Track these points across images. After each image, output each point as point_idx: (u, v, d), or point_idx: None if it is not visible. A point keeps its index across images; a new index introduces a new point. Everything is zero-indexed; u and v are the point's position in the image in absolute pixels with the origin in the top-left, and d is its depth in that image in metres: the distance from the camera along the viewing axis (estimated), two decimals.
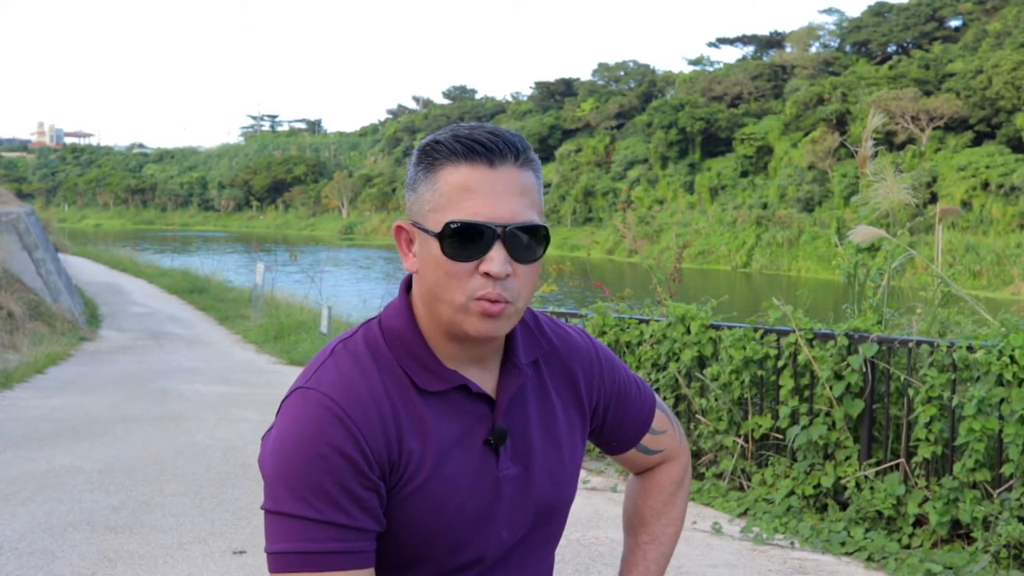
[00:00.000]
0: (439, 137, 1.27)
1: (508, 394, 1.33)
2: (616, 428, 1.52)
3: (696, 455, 6.13)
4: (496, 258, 1.22)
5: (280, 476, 1.20)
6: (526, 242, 1.24)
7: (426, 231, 1.25)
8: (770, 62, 61.32)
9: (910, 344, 4.90)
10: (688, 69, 70.20)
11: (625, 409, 1.51)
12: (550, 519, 1.40)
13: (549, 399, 1.40)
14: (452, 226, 1.21)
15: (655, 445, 1.57)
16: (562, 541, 5.02)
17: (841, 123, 46.09)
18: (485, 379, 1.33)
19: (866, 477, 5.00)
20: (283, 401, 1.28)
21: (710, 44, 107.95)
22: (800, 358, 5.42)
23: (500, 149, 1.24)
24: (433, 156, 1.26)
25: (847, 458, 5.19)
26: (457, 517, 1.28)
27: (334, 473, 1.19)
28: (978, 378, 4.54)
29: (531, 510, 1.36)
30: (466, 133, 1.26)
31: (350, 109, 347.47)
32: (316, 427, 1.20)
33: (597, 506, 5.63)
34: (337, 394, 1.23)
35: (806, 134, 46.98)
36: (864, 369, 5.11)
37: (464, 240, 1.22)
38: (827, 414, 5.26)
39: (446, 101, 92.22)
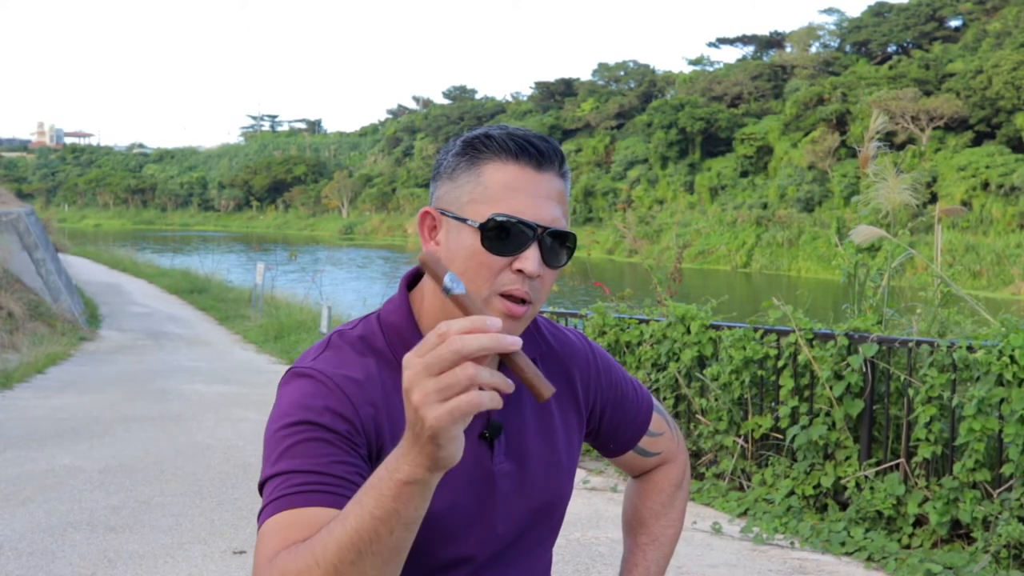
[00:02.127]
0: (491, 132, 1.29)
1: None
2: (613, 430, 1.52)
3: (696, 455, 6.13)
4: (532, 257, 1.24)
5: (275, 437, 1.21)
6: (557, 248, 1.27)
7: (463, 220, 1.26)
8: (770, 62, 61.35)
9: (910, 344, 4.90)
10: (688, 69, 70.26)
11: (622, 411, 1.52)
12: (546, 517, 1.41)
13: None
14: (498, 219, 1.23)
15: (653, 447, 1.58)
16: (562, 541, 5.01)
17: (841, 123, 46.10)
18: None
19: (866, 477, 5.00)
20: (280, 385, 1.28)
21: (710, 44, 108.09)
22: (800, 358, 5.42)
23: (549, 155, 1.28)
24: (480, 149, 1.28)
25: (847, 458, 5.19)
26: (450, 508, 1.28)
27: (328, 429, 1.19)
28: (978, 378, 4.54)
29: (527, 507, 1.36)
30: (520, 133, 1.29)
31: (350, 109, 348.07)
32: (312, 396, 1.22)
33: (597, 506, 5.63)
34: (333, 373, 1.25)
35: (806, 134, 47.00)
36: (864, 369, 5.11)
37: (504, 235, 1.24)
38: (827, 414, 5.26)
39: (446, 101, 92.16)
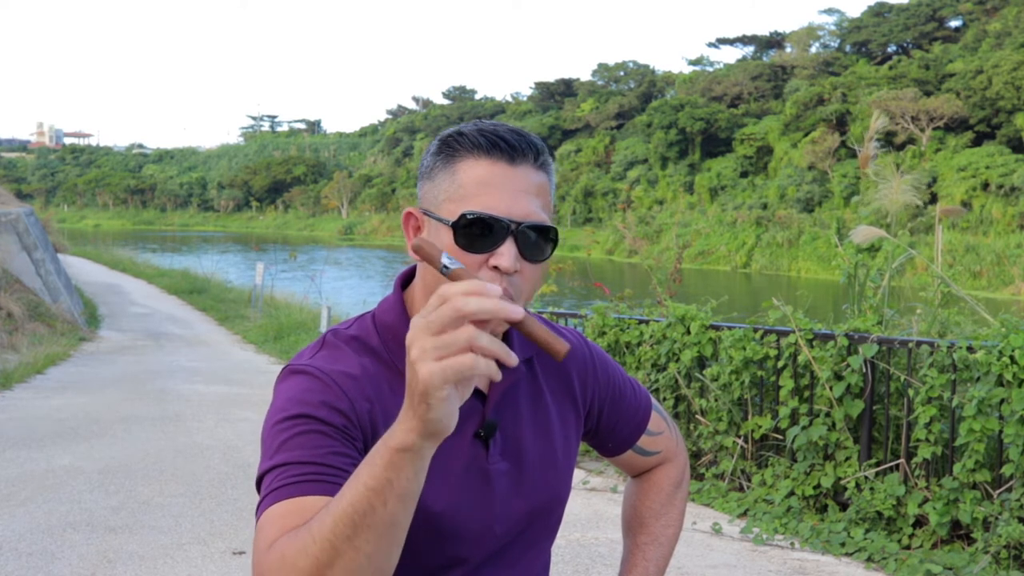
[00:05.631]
0: (463, 129, 1.29)
1: (500, 389, 1.34)
2: (611, 429, 1.52)
3: (696, 456, 6.12)
4: (507, 253, 1.23)
5: (272, 432, 1.20)
6: (537, 241, 1.26)
7: (439, 220, 1.26)
8: (770, 62, 61.34)
9: (910, 344, 4.90)
10: (688, 69, 70.29)
11: (620, 409, 1.52)
12: (544, 517, 1.40)
13: (542, 397, 1.41)
14: (468, 217, 1.22)
15: (651, 446, 1.57)
16: (562, 541, 5.00)
17: (841, 123, 46.10)
18: None
19: (866, 478, 5.00)
20: (277, 382, 1.29)
21: (710, 44, 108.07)
22: (800, 358, 5.41)
23: (522, 148, 1.27)
24: (454, 147, 1.28)
25: (847, 459, 5.19)
26: (446, 508, 1.28)
27: (324, 422, 1.19)
28: (978, 378, 4.53)
29: (524, 507, 1.36)
30: (491, 128, 1.28)
31: (350, 109, 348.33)
32: (309, 392, 1.22)
33: (597, 506, 5.62)
34: (330, 370, 1.25)
35: (806, 134, 46.99)
36: (864, 370, 5.10)
37: (478, 232, 1.23)
38: (827, 414, 5.26)
39: (446, 101, 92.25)
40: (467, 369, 0.97)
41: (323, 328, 12.57)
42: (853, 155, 42.76)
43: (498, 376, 0.99)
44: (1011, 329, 4.53)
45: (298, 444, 1.17)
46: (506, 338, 1.37)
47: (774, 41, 66.06)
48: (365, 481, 1.02)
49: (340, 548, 1.02)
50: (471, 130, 1.28)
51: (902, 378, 5.01)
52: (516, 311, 1.00)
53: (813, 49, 61.32)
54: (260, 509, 1.15)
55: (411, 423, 1.00)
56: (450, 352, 0.97)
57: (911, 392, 4.86)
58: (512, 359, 0.99)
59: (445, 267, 1.08)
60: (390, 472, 1.01)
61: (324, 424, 1.19)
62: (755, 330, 5.74)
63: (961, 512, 4.51)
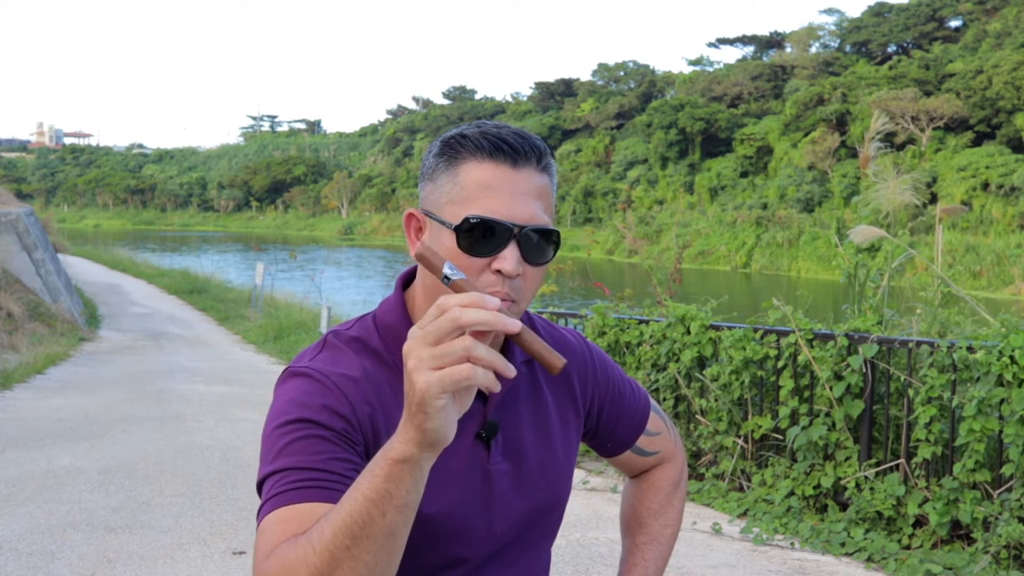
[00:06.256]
0: (466, 132, 1.28)
1: (501, 391, 1.33)
2: (611, 429, 1.52)
3: (696, 456, 6.13)
4: (510, 257, 1.22)
5: (272, 436, 1.20)
6: (539, 244, 1.25)
7: (441, 222, 1.25)
8: (770, 62, 61.35)
9: (910, 344, 4.90)
10: (688, 69, 70.32)
11: (620, 410, 1.52)
12: (544, 517, 1.41)
13: (543, 397, 1.41)
14: (471, 220, 1.22)
15: (650, 447, 1.58)
16: (562, 541, 5.01)
17: (841, 123, 46.10)
18: None
19: (866, 478, 5.00)
20: (277, 384, 1.29)
21: (710, 44, 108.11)
22: (800, 359, 5.41)
23: (525, 151, 1.26)
24: (457, 149, 1.27)
25: (847, 459, 5.19)
26: (447, 508, 1.28)
27: (325, 427, 1.19)
28: (978, 378, 4.53)
29: (524, 507, 1.36)
30: (494, 131, 1.27)
31: (350, 109, 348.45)
32: (309, 395, 1.22)
33: (597, 506, 5.62)
34: (330, 372, 1.25)
35: (806, 134, 46.99)
36: (864, 370, 5.10)
37: (481, 236, 1.22)
38: (827, 415, 5.26)
39: (446, 101, 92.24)
40: (464, 379, 0.96)
41: (323, 328, 12.57)
42: (853, 155, 42.78)
43: (496, 387, 0.99)
44: (1011, 329, 4.53)
45: (298, 449, 1.17)
46: (506, 344, 1.36)
47: (774, 41, 66.07)
48: (364, 492, 1.02)
49: (339, 558, 1.02)
50: (474, 132, 1.27)
51: (902, 378, 5.01)
52: (513, 324, 0.99)
53: (813, 49, 61.34)
54: (260, 515, 1.15)
55: (409, 434, 1.00)
56: (447, 362, 0.97)
57: (911, 392, 4.86)
58: (510, 371, 0.99)
59: (447, 277, 1.07)
60: (389, 483, 1.01)
61: (324, 428, 1.19)
62: (755, 330, 5.74)
63: (961, 512, 4.51)
